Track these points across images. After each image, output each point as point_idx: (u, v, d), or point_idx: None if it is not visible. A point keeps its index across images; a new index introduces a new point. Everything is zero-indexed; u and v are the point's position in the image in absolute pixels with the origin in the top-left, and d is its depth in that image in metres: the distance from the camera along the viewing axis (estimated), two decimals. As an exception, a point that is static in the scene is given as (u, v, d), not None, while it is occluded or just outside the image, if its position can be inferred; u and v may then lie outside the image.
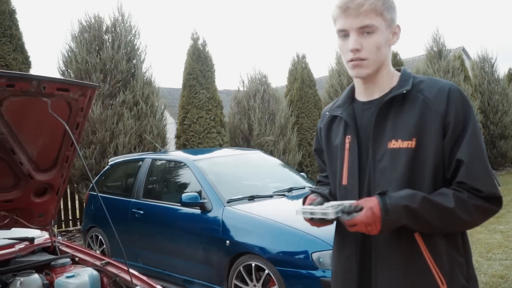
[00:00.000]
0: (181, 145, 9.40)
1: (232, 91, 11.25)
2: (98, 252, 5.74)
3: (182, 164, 5.05)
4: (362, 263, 1.50)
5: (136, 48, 8.77)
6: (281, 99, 10.85)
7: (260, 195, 4.58)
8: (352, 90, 1.64)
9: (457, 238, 1.43)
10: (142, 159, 5.64)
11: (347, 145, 1.55)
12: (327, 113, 1.69)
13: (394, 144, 1.42)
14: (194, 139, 9.34)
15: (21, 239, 2.87)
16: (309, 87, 11.51)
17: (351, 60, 1.47)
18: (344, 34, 1.48)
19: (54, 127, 2.45)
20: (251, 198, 4.48)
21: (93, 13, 8.60)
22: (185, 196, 4.42)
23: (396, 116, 1.45)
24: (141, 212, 5.12)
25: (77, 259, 2.76)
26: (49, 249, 2.90)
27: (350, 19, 1.43)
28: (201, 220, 4.43)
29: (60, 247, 2.91)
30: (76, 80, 2.29)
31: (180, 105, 9.71)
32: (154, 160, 5.49)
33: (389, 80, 1.52)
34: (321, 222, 1.44)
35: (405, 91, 1.45)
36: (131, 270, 2.45)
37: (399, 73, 1.56)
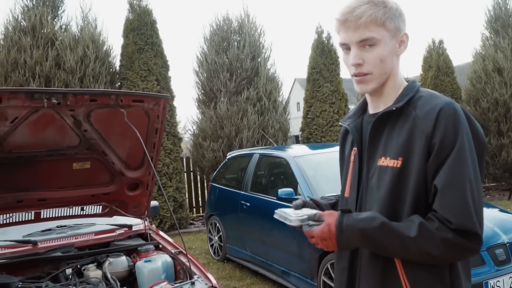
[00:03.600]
0: (305, 139, 9.60)
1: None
2: (216, 238, 6.31)
3: (284, 160, 5.24)
4: (353, 277, 1.50)
5: (260, 46, 9.20)
6: (413, 89, 10.26)
7: (356, 193, 4.52)
8: (365, 101, 1.59)
9: (444, 270, 1.32)
10: (251, 154, 5.99)
11: (352, 157, 1.55)
12: (340, 123, 1.69)
13: (383, 161, 1.37)
14: (317, 132, 9.45)
15: (121, 226, 3.40)
16: (446, 74, 10.63)
17: (355, 75, 1.42)
18: (346, 47, 1.42)
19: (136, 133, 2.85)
20: (346, 196, 4.46)
21: (222, 16, 9.28)
22: (281, 191, 4.61)
23: (390, 132, 1.39)
24: (248, 204, 5.47)
25: (160, 246, 3.17)
26: (143, 235, 3.37)
27: (350, 32, 1.37)
28: (296, 215, 4.57)
29: (152, 234, 3.36)
30: (149, 93, 2.65)
31: (304, 99, 9.90)
32: (261, 155, 5.80)
33: (395, 93, 1.44)
34: (296, 227, 1.46)
35: (394, 108, 1.37)
36: (195, 261, 2.75)
37: (406, 84, 1.46)
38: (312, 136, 9.48)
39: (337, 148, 1.71)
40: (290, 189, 4.61)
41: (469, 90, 11.15)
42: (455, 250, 1.25)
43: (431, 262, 1.29)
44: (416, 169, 1.30)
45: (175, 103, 8.62)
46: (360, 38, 1.36)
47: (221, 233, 6.19)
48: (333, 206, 1.66)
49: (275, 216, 1.52)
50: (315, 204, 1.62)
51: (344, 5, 1.40)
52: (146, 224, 3.41)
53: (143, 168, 3.15)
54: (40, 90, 2.45)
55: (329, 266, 4.01)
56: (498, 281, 3.40)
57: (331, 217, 1.38)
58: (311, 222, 1.40)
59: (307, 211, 1.46)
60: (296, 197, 4.56)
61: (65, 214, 3.14)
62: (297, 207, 1.53)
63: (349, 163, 1.55)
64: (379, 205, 1.37)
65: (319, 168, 4.99)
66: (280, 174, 5.51)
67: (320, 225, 1.37)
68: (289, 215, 1.44)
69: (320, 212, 1.42)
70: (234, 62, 8.85)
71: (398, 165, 1.33)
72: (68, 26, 8.38)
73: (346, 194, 1.54)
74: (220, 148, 8.61)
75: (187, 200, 9.50)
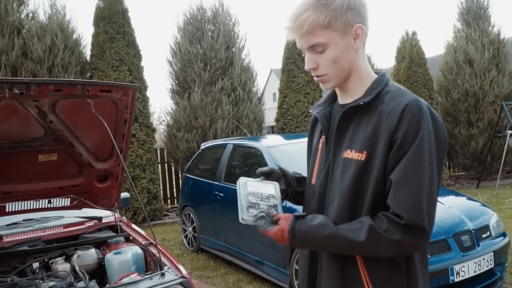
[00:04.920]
0: (279, 129, 9.64)
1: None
2: (190, 228, 6.29)
3: (257, 150, 5.26)
4: (315, 264, 1.52)
5: (235, 36, 9.15)
6: (386, 80, 10.42)
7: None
8: (335, 91, 1.60)
9: (400, 260, 1.36)
10: (225, 145, 5.99)
11: (320, 145, 1.57)
12: (310, 110, 1.72)
13: (349, 154, 1.39)
14: (292, 123, 9.50)
15: (90, 218, 3.37)
16: (419, 66, 10.80)
17: (314, 76, 1.47)
18: (302, 50, 1.46)
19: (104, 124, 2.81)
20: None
21: (195, 5, 9.19)
22: (254, 182, 4.62)
23: (357, 125, 1.41)
24: (222, 194, 5.48)
25: (131, 238, 3.15)
26: (114, 227, 3.35)
27: (298, 39, 1.40)
28: (269, 205, 4.60)
29: (122, 226, 3.34)
30: (117, 82, 2.60)
31: (279, 89, 9.92)
32: (235, 146, 5.80)
33: (361, 86, 1.45)
34: None
35: (361, 103, 1.39)
36: (165, 252, 2.74)
37: (376, 76, 1.47)
38: (287, 127, 9.53)
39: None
40: (263, 180, 4.63)
41: (440, 81, 11.39)
42: (402, 250, 1.30)
43: (383, 258, 1.34)
44: (379, 163, 1.32)
45: (148, 93, 8.51)
46: (307, 45, 1.39)
47: (195, 224, 6.18)
48: (299, 180, 1.69)
49: (237, 183, 1.51)
50: (283, 174, 1.65)
51: (291, 10, 1.41)
52: (116, 216, 3.37)
53: (112, 160, 3.11)
54: (0, 80, 2.38)
55: (301, 255, 4.06)
56: (463, 266, 3.51)
57: (285, 221, 1.40)
58: (264, 221, 1.40)
59: (264, 200, 1.46)
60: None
61: (31, 208, 3.08)
62: (261, 173, 1.57)
63: (317, 151, 1.58)
64: (341, 196, 1.39)
65: (293, 158, 5.01)
66: (254, 164, 5.52)
67: (274, 228, 1.40)
68: (244, 208, 1.43)
69: (278, 214, 1.43)
70: (208, 52, 8.79)
71: (362, 159, 1.35)
72: (35, 14, 8.13)
73: (313, 182, 1.56)
74: (194, 139, 8.58)
75: (161, 191, 9.45)
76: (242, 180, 1.51)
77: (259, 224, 1.41)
